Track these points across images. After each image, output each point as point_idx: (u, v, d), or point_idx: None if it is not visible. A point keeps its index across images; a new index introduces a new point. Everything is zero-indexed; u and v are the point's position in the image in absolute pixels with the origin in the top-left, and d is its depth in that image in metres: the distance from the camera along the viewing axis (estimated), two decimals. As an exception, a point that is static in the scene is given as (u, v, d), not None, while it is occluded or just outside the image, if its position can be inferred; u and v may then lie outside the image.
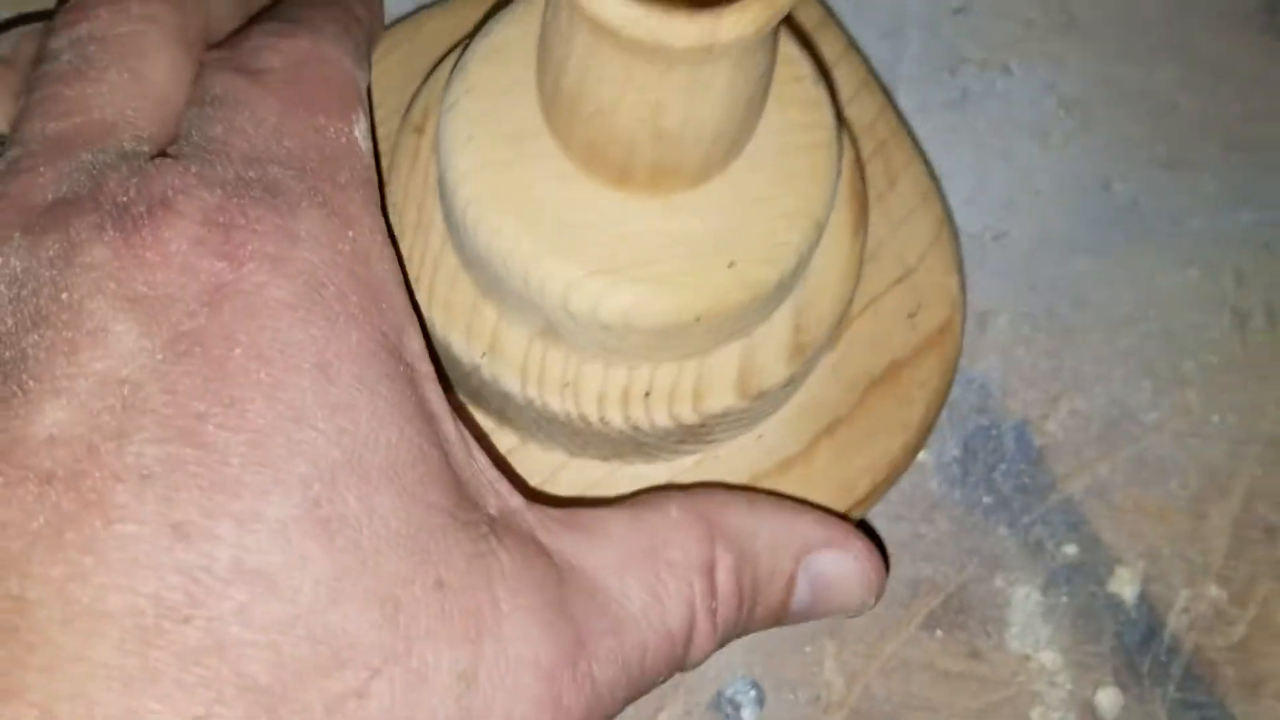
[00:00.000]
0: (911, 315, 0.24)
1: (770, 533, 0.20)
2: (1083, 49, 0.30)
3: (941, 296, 0.24)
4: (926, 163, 0.26)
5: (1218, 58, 0.30)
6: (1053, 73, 0.30)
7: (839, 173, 0.21)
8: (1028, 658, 0.26)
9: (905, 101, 0.29)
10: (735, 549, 0.20)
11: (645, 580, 0.19)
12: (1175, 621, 0.26)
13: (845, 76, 0.25)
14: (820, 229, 0.20)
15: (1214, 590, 0.26)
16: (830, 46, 0.25)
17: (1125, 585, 0.26)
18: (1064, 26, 0.30)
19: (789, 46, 0.21)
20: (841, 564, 0.21)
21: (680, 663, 0.19)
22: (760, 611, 0.21)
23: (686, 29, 0.16)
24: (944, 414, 0.27)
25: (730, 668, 0.25)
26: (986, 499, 0.27)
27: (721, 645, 0.20)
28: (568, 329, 0.20)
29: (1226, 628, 0.26)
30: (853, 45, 0.26)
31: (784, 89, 0.20)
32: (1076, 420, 0.27)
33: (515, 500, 0.19)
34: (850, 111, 0.25)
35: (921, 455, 0.27)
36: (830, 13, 0.26)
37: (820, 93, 0.21)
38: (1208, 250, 0.29)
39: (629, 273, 0.19)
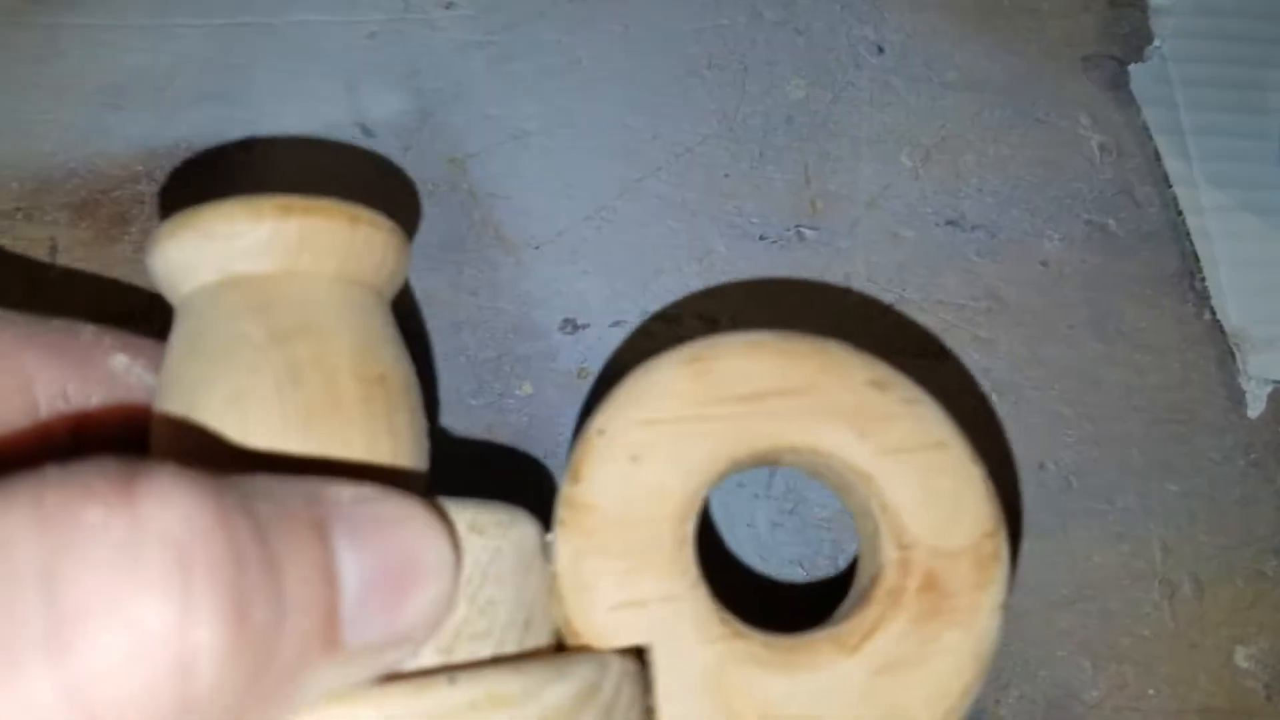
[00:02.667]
0: None
1: (276, 490, 0.17)
2: (1011, 332, 0.33)
3: None
4: None
5: (1137, 329, 0.33)
6: (985, 357, 0.32)
7: None
8: None
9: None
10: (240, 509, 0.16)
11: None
12: None
13: None
14: None
15: None
16: None
17: None
18: (992, 310, 0.33)
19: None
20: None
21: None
22: (293, 621, 0.16)
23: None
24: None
25: None
26: (949, 778, 0.29)
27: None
28: None
29: None
30: None
31: None
32: (1025, 705, 0.30)
33: None
34: None
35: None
36: None
37: None
38: (1137, 525, 0.31)
39: None
